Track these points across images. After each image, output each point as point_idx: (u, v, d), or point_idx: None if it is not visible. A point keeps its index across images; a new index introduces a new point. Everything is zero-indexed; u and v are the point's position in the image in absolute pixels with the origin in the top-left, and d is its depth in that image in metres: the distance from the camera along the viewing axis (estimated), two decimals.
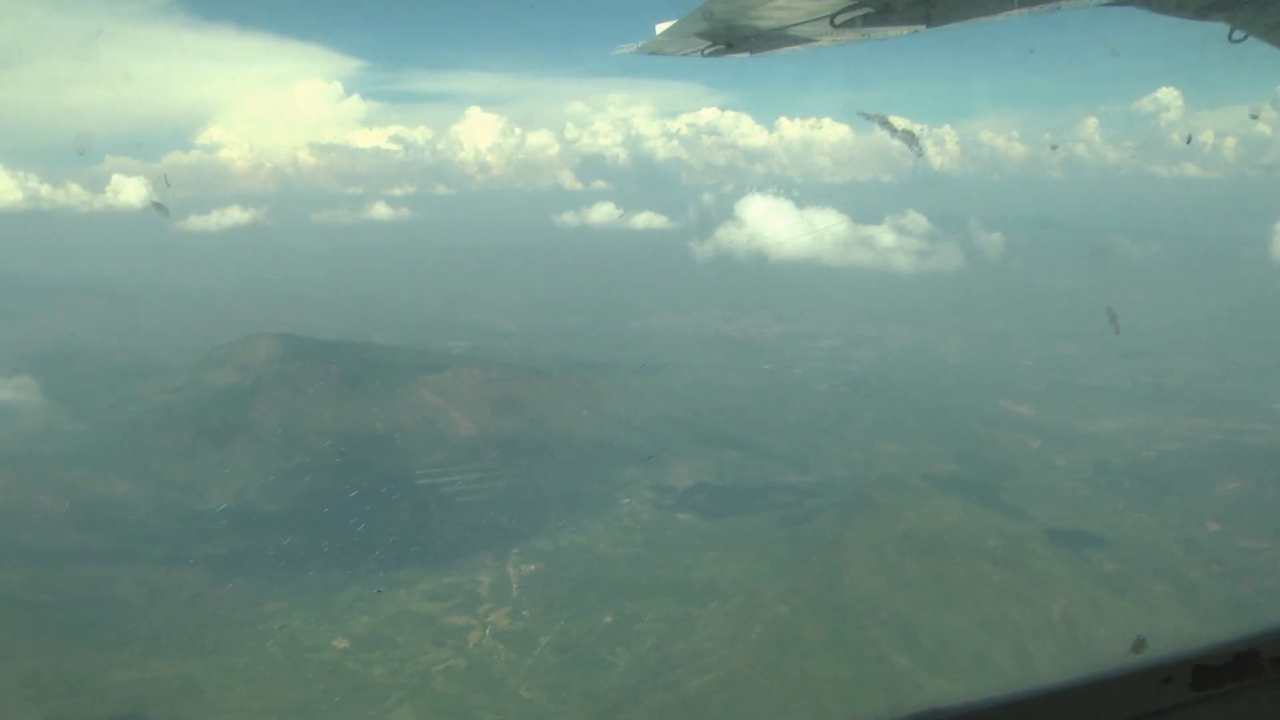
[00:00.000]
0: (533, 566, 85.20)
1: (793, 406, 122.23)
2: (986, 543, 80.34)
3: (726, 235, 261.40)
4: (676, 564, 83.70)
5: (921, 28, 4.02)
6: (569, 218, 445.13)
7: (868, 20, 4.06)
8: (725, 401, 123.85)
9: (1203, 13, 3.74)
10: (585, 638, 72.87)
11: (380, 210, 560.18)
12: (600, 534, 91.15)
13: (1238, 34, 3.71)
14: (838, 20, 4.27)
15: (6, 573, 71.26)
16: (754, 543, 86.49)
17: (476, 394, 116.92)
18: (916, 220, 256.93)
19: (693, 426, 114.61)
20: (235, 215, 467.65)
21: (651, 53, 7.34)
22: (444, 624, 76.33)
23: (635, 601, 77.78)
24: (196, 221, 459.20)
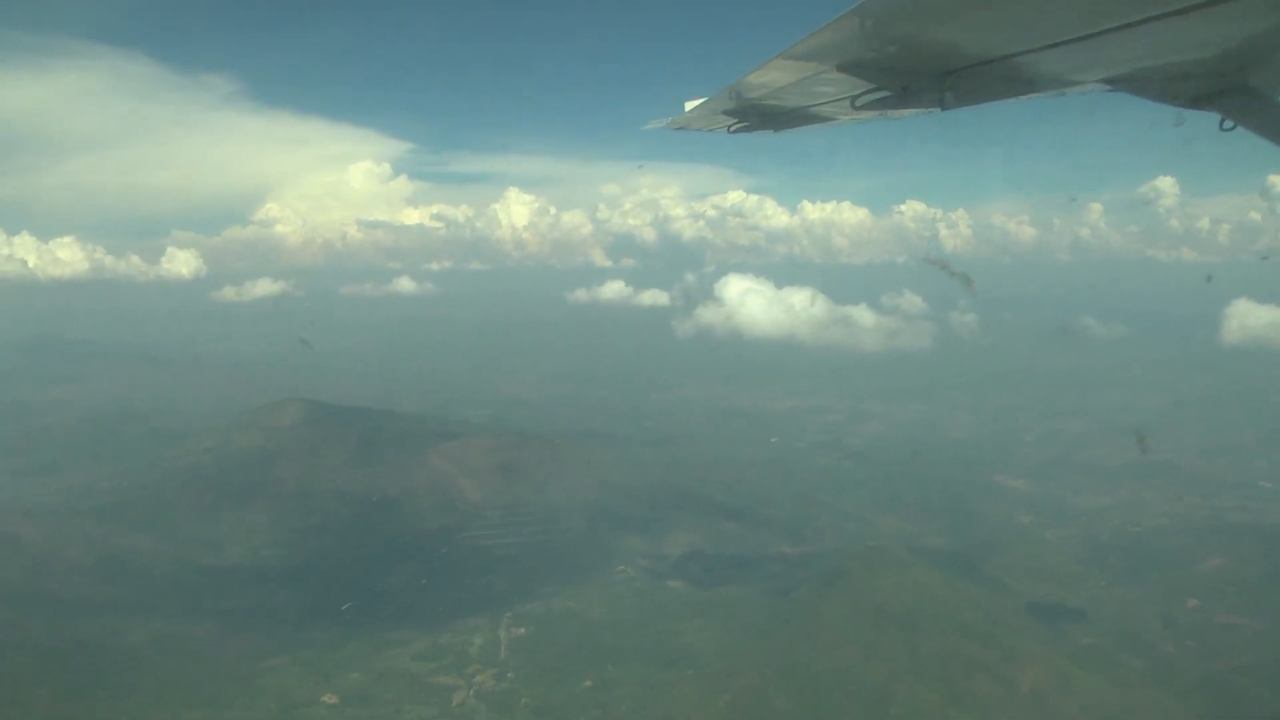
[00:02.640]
0: (523, 630, 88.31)
1: (794, 479, 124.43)
2: (963, 616, 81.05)
3: (742, 312, 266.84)
4: (662, 631, 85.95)
5: (936, 110, 4.35)
6: (581, 294, 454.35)
7: (885, 102, 4.41)
8: (729, 473, 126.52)
9: (1194, 102, 4.02)
10: (565, 701, 75.57)
11: (406, 284, 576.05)
12: (593, 600, 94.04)
13: (1228, 123, 3.99)
14: (858, 103, 4.61)
15: (29, 619, 76.91)
16: (739, 612, 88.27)
17: (487, 461, 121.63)
18: (914, 301, 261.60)
19: (695, 497, 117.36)
20: (269, 286, 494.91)
21: (679, 128, 7.40)
22: (431, 683, 79.50)
23: (617, 666, 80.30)
24: (235, 291, 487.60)
